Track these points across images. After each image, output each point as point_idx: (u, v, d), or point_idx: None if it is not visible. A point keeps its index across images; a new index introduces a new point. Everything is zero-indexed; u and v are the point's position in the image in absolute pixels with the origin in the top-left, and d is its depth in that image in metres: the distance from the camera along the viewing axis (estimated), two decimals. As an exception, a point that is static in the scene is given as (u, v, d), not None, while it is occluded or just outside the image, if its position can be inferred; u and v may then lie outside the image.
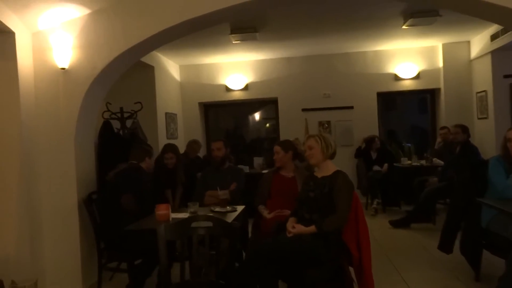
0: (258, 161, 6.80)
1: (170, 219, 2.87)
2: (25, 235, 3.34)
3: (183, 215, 2.91)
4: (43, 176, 3.53)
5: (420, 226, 5.18)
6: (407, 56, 7.08)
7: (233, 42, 5.92)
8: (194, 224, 2.27)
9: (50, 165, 3.53)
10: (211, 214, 2.94)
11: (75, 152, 3.52)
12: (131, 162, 3.53)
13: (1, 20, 3.08)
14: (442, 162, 5.87)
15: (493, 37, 5.90)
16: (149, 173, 3.71)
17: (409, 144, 7.23)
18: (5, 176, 3.33)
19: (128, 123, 5.00)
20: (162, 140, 6.26)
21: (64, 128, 3.51)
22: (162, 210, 2.84)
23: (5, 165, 3.33)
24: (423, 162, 6.29)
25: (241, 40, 5.84)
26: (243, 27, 5.38)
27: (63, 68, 3.45)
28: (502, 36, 5.62)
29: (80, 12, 3.43)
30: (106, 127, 4.51)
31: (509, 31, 5.28)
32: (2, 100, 3.32)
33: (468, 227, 3.40)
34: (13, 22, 3.24)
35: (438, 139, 6.40)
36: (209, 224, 2.26)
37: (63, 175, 3.52)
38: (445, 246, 3.60)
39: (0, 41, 3.26)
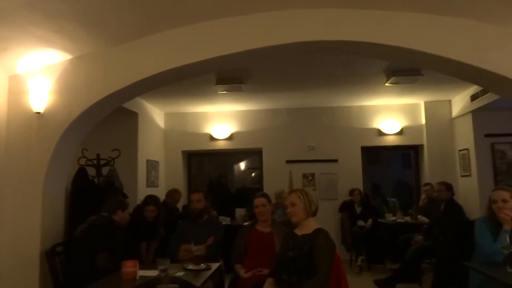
0: (240, 212, 6.60)
1: (137, 277, 2.64)
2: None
3: (152, 273, 2.69)
4: (6, 224, 3.29)
5: (406, 286, 4.96)
6: (391, 112, 7.18)
7: (219, 92, 5.94)
8: (159, 287, 2.07)
9: (15, 212, 3.32)
10: (182, 273, 2.73)
11: (42, 199, 3.33)
12: (102, 215, 3.33)
13: (-23, 62, 3.02)
14: (427, 220, 5.76)
15: (473, 98, 6.03)
16: (121, 227, 3.48)
17: (394, 199, 7.14)
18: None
19: (105, 170, 4.82)
20: (142, 188, 6.06)
21: (33, 174, 3.34)
22: (128, 267, 2.62)
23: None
24: (408, 218, 6.18)
25: (227, 90, 5.86)
26: (229, 78, 5.40)
27: (38, 112, 3.35)
28: (482, 97, 5.74)
29: (61, 57, 3.39)
30: (80, 173, 4.34)
31: (488, 92, 5.39)
32: (-31, 143, 3.17)
33: (456, 292, 3.24)
34: (-11, 64, 3.17)
35: (423, 196, 6.33)
36: (175, 286, 2.06)
37: (28, 224, 3.29)
38: (433, 312, 3.42)
39: (-26, 82, 3.18)
